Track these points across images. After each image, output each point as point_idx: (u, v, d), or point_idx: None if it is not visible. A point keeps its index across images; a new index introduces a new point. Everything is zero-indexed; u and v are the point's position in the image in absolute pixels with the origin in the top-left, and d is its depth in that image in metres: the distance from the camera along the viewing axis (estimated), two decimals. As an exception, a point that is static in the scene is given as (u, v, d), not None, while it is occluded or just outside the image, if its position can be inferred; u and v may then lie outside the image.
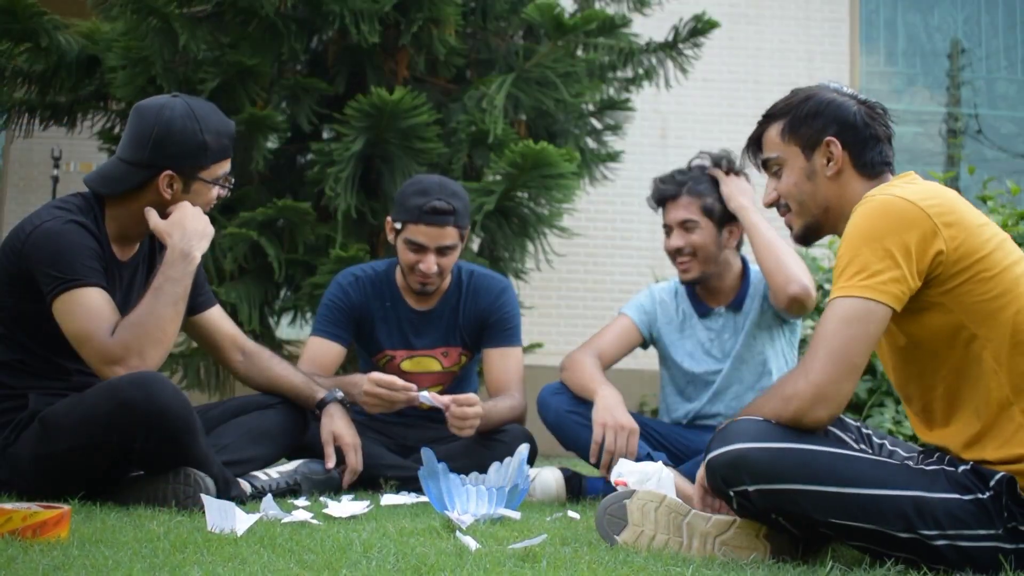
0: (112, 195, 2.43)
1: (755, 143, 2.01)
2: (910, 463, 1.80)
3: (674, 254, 2.98)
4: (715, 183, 2.97)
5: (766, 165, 1.99)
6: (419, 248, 2.94)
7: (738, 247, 3.03)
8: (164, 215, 2.43)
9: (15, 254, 2.34)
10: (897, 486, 1.67)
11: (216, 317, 2.70)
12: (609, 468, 2.71)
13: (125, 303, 2.41)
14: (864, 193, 1.84)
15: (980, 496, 1.67)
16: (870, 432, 2.03)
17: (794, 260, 2.81)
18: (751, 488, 1.70)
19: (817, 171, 1.91)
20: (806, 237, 1.98)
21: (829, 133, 1.89)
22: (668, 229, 2.99)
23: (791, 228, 1.99)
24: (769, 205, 2.01)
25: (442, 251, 2.96)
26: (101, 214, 2.43)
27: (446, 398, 2.79)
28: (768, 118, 1.98)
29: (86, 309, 2.28)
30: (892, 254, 1.70)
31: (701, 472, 1.93)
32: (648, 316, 3.06)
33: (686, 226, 2.94)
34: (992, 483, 1.67)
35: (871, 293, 1.70)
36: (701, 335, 3.03)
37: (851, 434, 1.99)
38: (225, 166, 2.50)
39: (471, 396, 2.83)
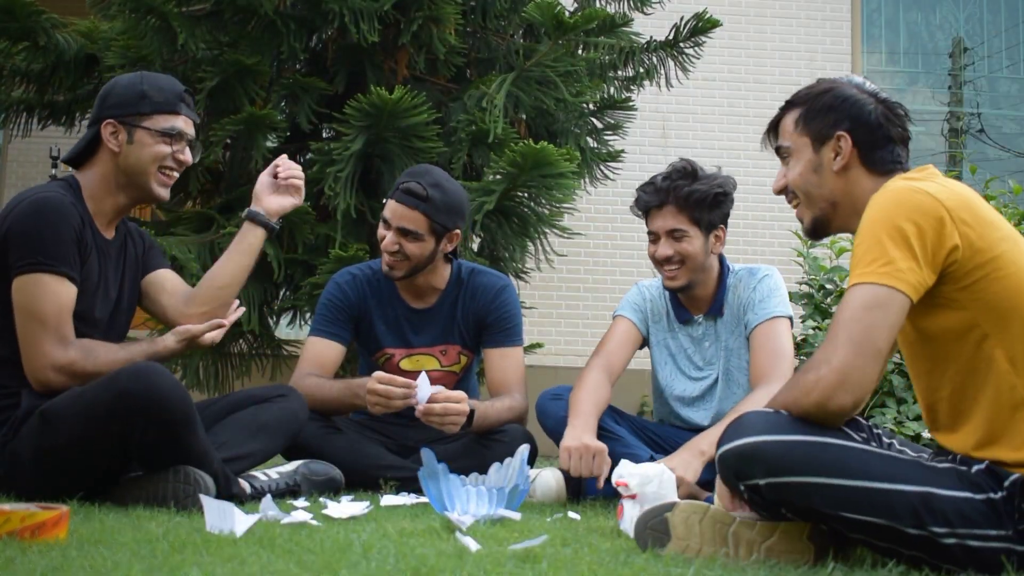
0: (77, 158, 2.54)
1: (773, 128, 2.01)
2: (922, 459, 1.77)
3: (662, 262, 2.92)
4: (713, 197, 2.87)
5: (779, 151, 1.98)
6: (385, 224, 2.96)
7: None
8: (122, 177, 2.51)
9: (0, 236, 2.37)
10: (908, 481, 1.64)
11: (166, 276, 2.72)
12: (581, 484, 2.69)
13: (103, 281, 2.49)
14: (874, 190, 1.82)
15: (992, 496, 1.64)
16: (880, 432, 2.01)
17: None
18: (762, 482, 1.68)
19: (824, 164, 1.90)
20: (816, 231, 1.96)
21: (841, 128, 1.88)
22: (654, 236, 2.94)
23: (801, 221, 1.98)
24: (777, 192, 2.00)
25: (404, 233, 2.93)
26: (79, 193, 2.50)
27: (438, 393, 2.77)
28: (788, 105, 1.98)
29: (55, 304, 2.33)
30: (909, 243, 1.68)
31: (719, 483, 1.91)
32: (642, 313, 3.07)
33: (675, 235, 2.89)
34: (1007, 484, 1.65)
35: (890, 280, 1.67)
36: (684, 341, 3.04)
37: (863, 433, 1.97)
38: (172, 121, 2.54)
39: (459, 394, 2.81)
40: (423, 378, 2.78)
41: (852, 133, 1.88)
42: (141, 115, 2.50)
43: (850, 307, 1.70)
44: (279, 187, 2.74)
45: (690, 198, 2.86)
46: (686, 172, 2.90)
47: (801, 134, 1.93)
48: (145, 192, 2.55)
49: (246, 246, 2.69)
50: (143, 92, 2.51)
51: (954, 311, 1.72)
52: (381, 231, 2.98)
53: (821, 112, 1.91)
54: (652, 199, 2.92)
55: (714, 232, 2.92)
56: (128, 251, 2.62)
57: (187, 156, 2.58)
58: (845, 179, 1.89)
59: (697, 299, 3.01)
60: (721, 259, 3.02)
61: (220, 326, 2.58)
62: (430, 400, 2.75)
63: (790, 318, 2.91)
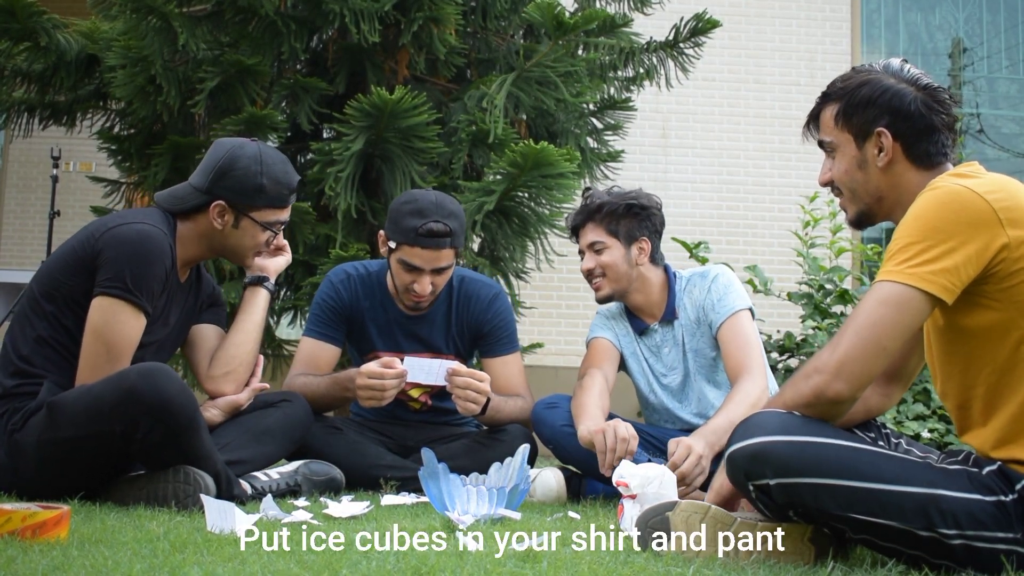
0: (173, 211, 2.57)
1: (813, 120, 1.96)
2: (931, 461, 1.77)
3: (587, 275, 3.07)
4: (624, 207, 3.01)
5: (822, 146, 1.94)
6: (414, 269, 2.91)
7: (655, 261, 3.07)
8: (217, 245, 2.60)
9: (92, 240, 2.42)
10: (920, 483, 1.64)
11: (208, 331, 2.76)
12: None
13: (164, 315, 2.53)
14: (920, 184, 1.80)
15: (1003, 498, 1.64)
16: (888, 431, 2.01)
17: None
18: (772, 482, 1.67)
19: (868, 161, 1.86)
20: (860, 222, 1.94)
21: (880, 124, 1.84)
22: (582, 254, 3.09)
23: (845, 211, 1.96)
24: (823, 184, 1.96)
25: (437, 271, 2.93)
26: (173, 234, 2.53)
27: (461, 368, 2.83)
28: (825, 98, 1.93)
29: (124, 334, 2.37)
30: (950, 245, 1.65)
31: (717, 483, 1.91)
32: (612, 331, 3.13)
33: (595, 248, 3.04)
34: (1018, 487, 1.64)
35: (915, 280, 1.66)
36: (644, 352, 3.10)
37: (871, 433, 1.97)
38: (279, 214, 2.64)
39: (483, 374, 2.85)
40: (409, 361, 2.80)
41: (892, 127, 1.83)
42: (253, 207, 2.58)
43: (866, 301, 1.71)
44: (271, 251, 2.77)
45: (602, 210, 3.03)
46: (604, 192, 3.09)
47: (842, 130, 1.89)
48: (236, 263, 2.72)
49: (253, 308, 2.74)
50: (261, 186, 2.56)
51: (994, 311, 1.69)
52: (406, 277, 2.92)
53: (859, 107, 1.85)
54: (576, 219, 3.11)
55: (636, 244, 3.02)
56: (191, 296, 2.68)
57: (281, 241, 2.72)
58: (890, 174, 1.86)
59: (645, 308, 3.09)
60: (666, 267, 3.11)
61: (263, 389, 2.70)
62: (454, 372, 2.81)
63: (750, 309, 2.97)
